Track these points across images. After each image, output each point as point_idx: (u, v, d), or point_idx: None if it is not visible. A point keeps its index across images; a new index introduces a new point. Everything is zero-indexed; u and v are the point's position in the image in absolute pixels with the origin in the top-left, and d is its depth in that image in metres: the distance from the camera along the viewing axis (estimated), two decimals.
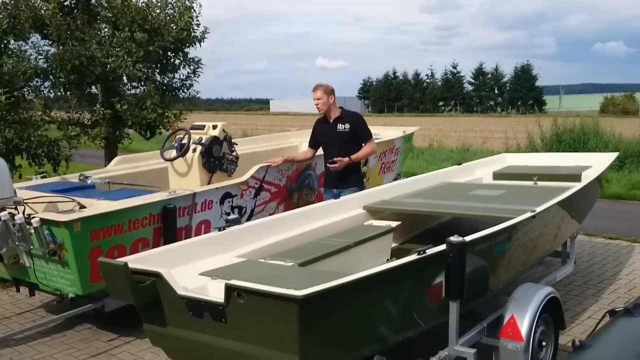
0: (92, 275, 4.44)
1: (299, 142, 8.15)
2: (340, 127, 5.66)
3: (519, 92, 70.11)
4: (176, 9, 7.60)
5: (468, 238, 3.37)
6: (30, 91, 7.72)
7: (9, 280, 5.26)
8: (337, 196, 5.27)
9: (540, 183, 5.87)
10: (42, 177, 5.83)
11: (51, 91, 7.71)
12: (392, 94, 75.87)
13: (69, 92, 7.75)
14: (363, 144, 5.73)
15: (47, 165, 7.44)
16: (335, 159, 5.52)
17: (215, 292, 3.22)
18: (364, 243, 4.30)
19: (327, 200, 5.09)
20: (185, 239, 5.02)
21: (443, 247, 3.26)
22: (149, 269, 3.14)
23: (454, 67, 75.49)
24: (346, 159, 5.53)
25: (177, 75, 8.28)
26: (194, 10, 7.72)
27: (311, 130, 6.06)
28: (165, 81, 8.25)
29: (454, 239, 3.23)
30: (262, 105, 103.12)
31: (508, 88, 72.34)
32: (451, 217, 5.74)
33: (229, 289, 2.84)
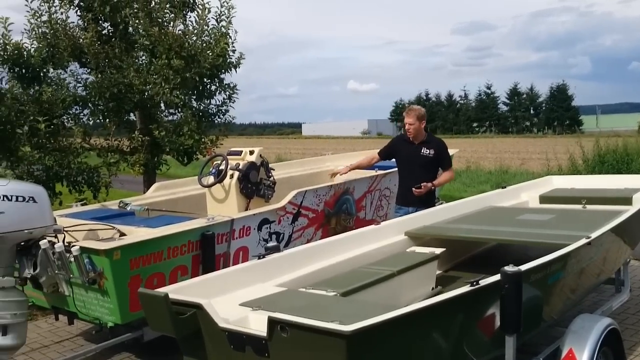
0: (132, 304, 4.38)
1: (334, 166, 8.05)
2: (424, 151, 5.79)
3: (555, 112, 68.98)
4: (212, 36, 7.63)
5: (524, 267, 3.18)
6: (69, 119, 7.80)
7: (47, 308, 5.23)
8: (410, 213, 5.47)
9: (589, 207, 5.64)
10: (82, 205, 5.83)
11: (90, 119, 7.78)
12: (425, 115, 75.38)
13: (107, 120, 7.81)
14: (441, 170, 5.85)
15: (87, 192, 7.48)
16: (422, 184, 5.63)
17: (256, 324, 3.10)
18: (407, 271, 4.14)
19: (368, 227, 4.95)
20: (223, 266, 4.95)
21: (497, 277, 3.09)
22: (189, 300, 3.04)
23: (488, 88, 74.83)
24: (429, 185, 5.66)
25: (212, 101, 8.30)
26: (230, 37, 7.75)
27: (388, 143, 6.23)
28: (201, 107, 8.27)
29: (509, 269, 3.05)
30: (294, 129, 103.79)
31: (544, 108, 71.30)
32: (496, 243, 5.54)
33: (272, 322, 2.72)
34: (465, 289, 2.98)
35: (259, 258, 3.93)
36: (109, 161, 7.56)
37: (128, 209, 5.59)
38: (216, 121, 8.41)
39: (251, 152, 5.71)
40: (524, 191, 6.33)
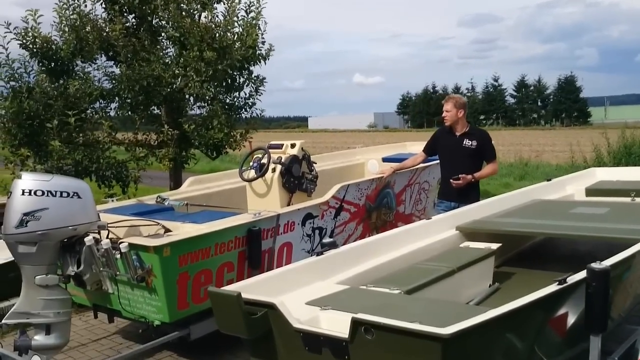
0: (180, 302, 4.26)
1: (365, 159, 7.92)
2: (466, 142, 5.59)
3: (563, 104, 68.66)
4: (243, 27, 7.48)
5: (608, 263, 3.04)
6: (93, 113, 7.67)
7: (85, 306, 5.12)
8: (453, 209, 5.31)
9: (638, 199, 5.50)
10: (117, 200, 5.71)
11: (118, 112, 7.65)
12: (432, 108, 75.20)
13: (135, 113, 7.68)
14: (485, 162, 5.66)
15: (116, 187, 7.36)
16: (460, 175, 5.45)
17: (327, 324, 2.99)
18: (466, 268, 4.02)
19: (419, 222, 4.82)
20: (268, 262, 4.84)
21: (583, 274, 2.96)
22: (262, 300, 2.92)
23: (495, 80, 74.53)
24: (469, 177, 5.47)
25: (240, 94, 8.16)
26: (259, 28, 7.60)
27: (431, 137, 6.04)
28: (227, 100, 8.13)
29: (597, 266, 2.91)
30: (299, 122, 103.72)
31: (551, 100, 70.99)
32: (544, 237, 5.41)
33: (356, 324, 2.59)
34: (554, 287, 2.85)
35: (317, 255, 3.81)
36: (137, 155, 7.43)
37: (166, 204, 5.45)
38: (243, 115, 8.27)
39: (292, 145, 5.57)
40: (569, 184, 6.20)
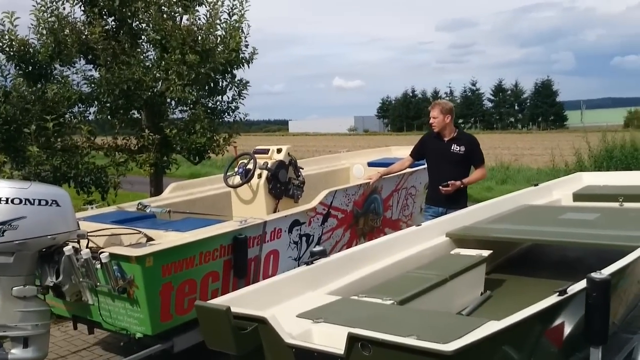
0: (163, 314, 4.12)
1: (350, 164, 7.83)
2: (454, 148, 5.53)
3: (540, 108, 69.57)
4: (226, 30, 7.34)
5: (607, 272, 2.98)
6: (72, 117, 7.47)
7: (64, 316, 4.94)
8: (441, 214, 5.29)
9: (626, 204, 5.48)
10: (97, 207, 5.54)
11: (98, 116, 7.45)
12: (412, 112, 75.74)
13: (114, 118, 7.49)
14: (473, 167, 5.62)
15: (95, 193, 7.17)
16: (449, 182, 5.41)
17: (320, 338, 2.88)
18: (458, 276, 3.95)
19: (409, 228, 4.74)
20: (254, 271, 4.72)
21: (582, 284, 2.89)
22: (252, 314, 2.80)
23: (473, 85, 75.28)
24: (458, 183, 5.42)
25: (223, 98, 8.01)
26: (242, 31, 7.47)
27: (418, 141, 5.98)
28: (210, 104, 7.97)
29: (597, 276, 2.85)
30: (280, 126, 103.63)
31: (528, 104, 71.90)
32: (532, 244, 5.36)
33: (352, 339, 2.48)
34: (555, 298, 2.78)
35: (307, 264, 3.70)
36: (117, 161, 7.24)
37: (147, 211, 5.30)
38: (226, 119, 8.12)
39: (279, 151, 5.46)
40: (555, 189, 6.17)
